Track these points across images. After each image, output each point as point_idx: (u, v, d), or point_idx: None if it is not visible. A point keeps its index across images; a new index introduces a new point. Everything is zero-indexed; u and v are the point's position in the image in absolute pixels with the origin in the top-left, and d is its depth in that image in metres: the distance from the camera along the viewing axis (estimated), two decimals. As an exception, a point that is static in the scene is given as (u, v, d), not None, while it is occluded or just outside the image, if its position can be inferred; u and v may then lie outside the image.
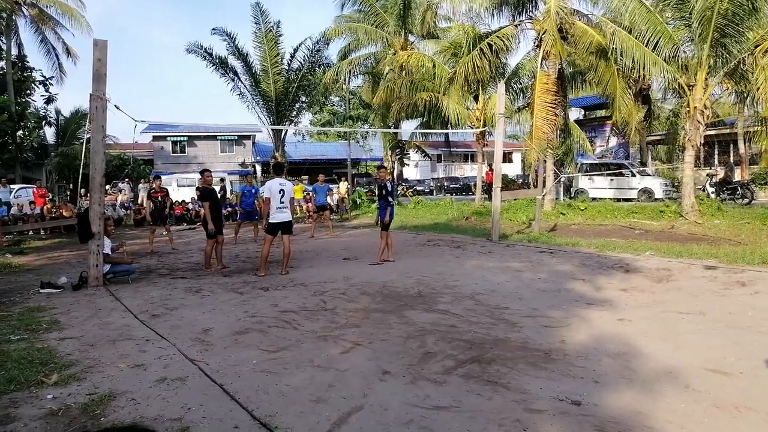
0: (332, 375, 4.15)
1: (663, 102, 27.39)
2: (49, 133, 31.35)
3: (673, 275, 7.86)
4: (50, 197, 21.32)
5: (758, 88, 13.22)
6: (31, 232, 17.05)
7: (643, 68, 14.62)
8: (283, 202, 8.78)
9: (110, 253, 8.37)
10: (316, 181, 16.40)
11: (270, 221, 8.81)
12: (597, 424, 3.27)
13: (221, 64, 24.56)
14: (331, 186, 20.37)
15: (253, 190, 14.37)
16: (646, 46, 14.53)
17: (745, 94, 14.60)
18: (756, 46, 13.37)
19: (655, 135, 27.42)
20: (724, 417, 3.35)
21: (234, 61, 24.83)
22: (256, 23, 24.82)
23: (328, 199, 23.80)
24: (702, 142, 15.36)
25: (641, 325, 5.35)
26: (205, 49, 23.97)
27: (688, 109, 14.80)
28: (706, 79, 14.36)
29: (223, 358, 4.59)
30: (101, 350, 4.88)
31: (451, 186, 39.87)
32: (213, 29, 24.55)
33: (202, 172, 10.43)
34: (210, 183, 10.05)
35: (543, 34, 16.95)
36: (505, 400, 3.62)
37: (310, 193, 26.00)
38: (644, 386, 3.83)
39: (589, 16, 17.70)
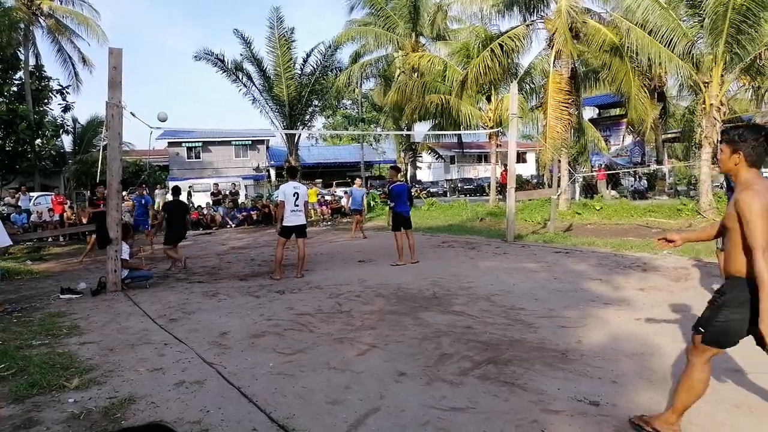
0: (348, 377, 4.17)
1: (678, 99, 27.10)
2: (67, 141, 31.82)
3: (692, 274, 7.77)
4: (69, 204, 21.62)
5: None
6: (50, 239, 17.30)
7: (659, 65, 14.49)
8: (297, 206, 8.78)
9: (128, 258, 8.47)
10: (352, 185, 16.83)
11: (284, 224, 8.84)
12: (616, 424, 3.24)
13: (234, 70, 24.71)
14: (347, 189, 20.54)
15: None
16: (660, 43, 14.39)
17: (762, 90, 14.39)
18: (772, 41, 13.21)
19: (670, 132, 27.11)
20: (745, 418, 3.30)
21: (248, 66, 24.98)
22: (270, 28, 24.96)
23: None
24: (719, 139, 15.16)
25: (659, 324, 5.29)
26: (216, 55, 24.10)
27: (704, 106, 14.64)
28: (722, 75, 14.19)
29: (240, 361, 4.62)
30: (120, 354, 4.95)
31: (465, 187, 39.71)
32: (234, 30, 24.60)
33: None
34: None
35: (554, 33, 16.86)
36: (522, 401, 3.61)
37: (326, 197, 26.17)
38: (664, 386, 3.79)
39: (602, 14, 17.57)
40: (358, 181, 17.63)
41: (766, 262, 2.60)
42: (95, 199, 11.12)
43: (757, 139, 2.83)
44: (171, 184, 31.00)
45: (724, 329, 2.93)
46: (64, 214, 18.94)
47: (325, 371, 4.32)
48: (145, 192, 14.23)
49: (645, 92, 18.03)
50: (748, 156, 2.84)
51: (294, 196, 8.75)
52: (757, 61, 13.71)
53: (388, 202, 10.44)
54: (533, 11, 18.39)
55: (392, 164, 22.62)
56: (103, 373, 4.43)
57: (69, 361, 4.75)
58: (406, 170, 28.91)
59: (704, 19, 13.69)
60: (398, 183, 10.35)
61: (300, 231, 8.98)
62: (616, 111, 28.77)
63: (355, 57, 26.93)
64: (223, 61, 24.30)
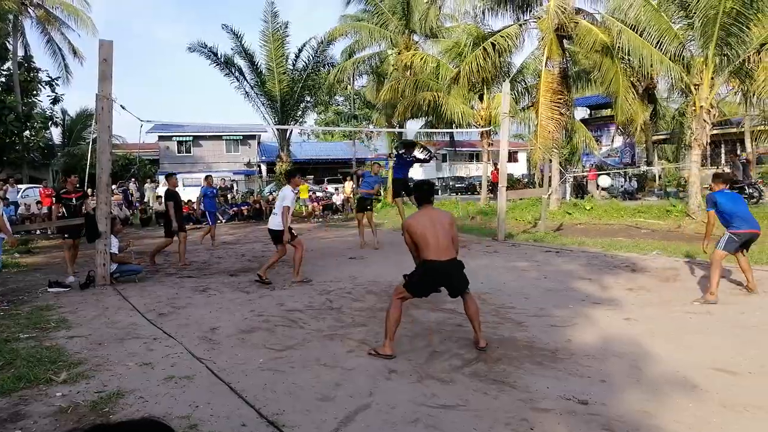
0: (339, 373, 4.17)
1: (669, 101, 27.29)
2: (56, 134, 31.55)
3: (681, 275, 7.83)
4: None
5: (763, 87, 13.14)
6: (38, 232, 17.13)
7: (650, 67, 14.56)
8: (274, 208, 8.34)
9: (117, 252, 8.40)
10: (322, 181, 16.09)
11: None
12: (604, 423, 3.27)
13: (226, 64, 24.57)
14: (338, 186, 20.02)
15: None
16: (651, 45, 14.46)
17: (751, 93, 14.49)
18: (762, 45, 13.29)
19: (661, 134, 27.29)
20: (732, 417, 3.34)
21: (239, 60, 24.86)
22: (264, 21, 24.84)
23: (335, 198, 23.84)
24: (708, 141, 15.29)
25: (648, 324, 5.34)
26: (210, 48, 23.97)
27: (694, 108, 14.73)
28: (711, 78, 14.28)
29: (230, 357, 4.61)
30: (109, 349, 4.91)
31: (457, 185, 39.79)
32: (223, 25, 24.60)
33: (168, 177, 10.98)
34: (175, 186, 10.63)
35: (545, 33, 16.91)
36: (512, 399, 3.63)
37: (317, 193, 26.12)
38: (652, 386, 3.83)
39: (594, 14, 17.63)
40: (375, 167, 14.72)
41: None
42: (63, 193, 9.17)
43: None
44: (161, 178, 30.90)
45: None
46: (53, 206, 18.77)
47: (315, 367, 4.32)
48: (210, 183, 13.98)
49: (634, 93, 18.11)
50: None
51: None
52: (746, 64, 13.82)
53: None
54: (526, 10, 18.42)
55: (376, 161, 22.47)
56: (91, 367, 4.40)
57: (57, 354, 4.71)
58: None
59: (695, 21, 13.78)
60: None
61: (270, 235, 8.29)
62: (608, 112, 28.93)
63: (349, 53, 26.84)
64: (216, 54, 24.16)
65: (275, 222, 8.10)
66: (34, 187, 21.30)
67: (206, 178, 13.34)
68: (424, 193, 4.86)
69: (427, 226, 4.60)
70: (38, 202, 18.54)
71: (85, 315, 6.25)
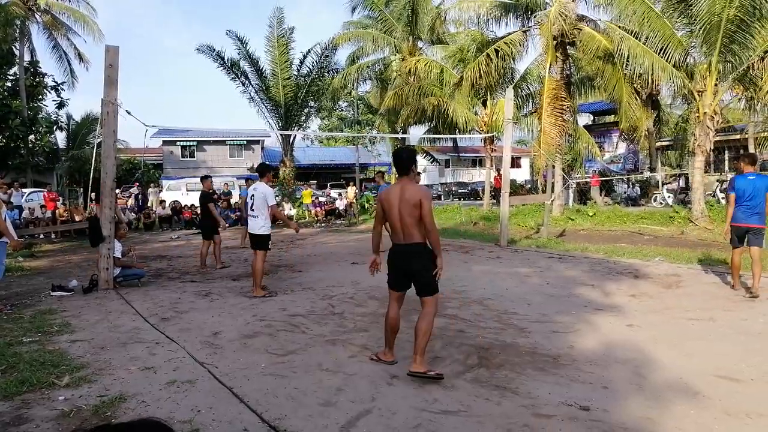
0: (340, 379, 4.17)
1: (672, 107, 27.26)
2: (60, 138, 31.64)
3: (683, 281, 7.81)
4: (61, 201, 21.49)
5: (767, 93, 13.13)
6: (42, 236, 17.20)
7: (652, 74, 14.57)
8: (252, 210, 7.60)
9: (120, 257, 8.43)
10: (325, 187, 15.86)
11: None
12: (606, 430, 3.26)
13: (232, 67, 24.71)
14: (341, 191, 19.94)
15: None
16: (654, 52, 14.47)
17: (755, 100, 14.48)
18: (766, 52, 13.29)
19: (664, 140, 27.25)
20: (734, 424, 3.33)
21: (245, 66, 24.99)
22: (270, 27, 24.97)
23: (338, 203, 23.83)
24: (712, 147, 15.27)
25: (651, 331, 5.33)
26: (217, 52, 24.13)
27: (697, 114, 14.73)
28: (715, 84, 14.29)
29: (232, 362, 4.61)
30: (112, 353, 4.92)
31: (460, 191, 39.75)
32: (227, 31, 24.71)
33: (203, 179, 11.02)
34: (209, 188, 10.82)
35: (547, 39, 16.95)
36: (514, 405, 3.62)
37: (320, 198, 26.14)
38: (654, 392, 3.82)
39: (597, 21, 17.68)
40: (384, 175, 14.39)
41: None
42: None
43: None
44: (164, 182, 31.02)
45: None
46: (56, 210, 18.85)
47: (317, 372, 4.32)
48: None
49: (638, 100, 18.12)
50: None
51: (250, 198, 7.69)
52: (750, 71, 13.82)
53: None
54: (530, 17, 18.48)
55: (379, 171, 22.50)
56: (93, 371, 4.41)
57: (59, 358, 4.72)
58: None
59: (697, 29, 13.80)
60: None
61: (253, 240, 7.68)
62: (611, 118, 28.95)
63: (353, 59, 26.93)
64: (222, 58, 24.31)
65: (259, 225, 7.53)
66: (39, 191, 21.42)
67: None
68: (402, 161, 4.32)
69: (393, 202, 4.21)
70: (42, 206, 18.62)
71: (88, 319, 6.27)
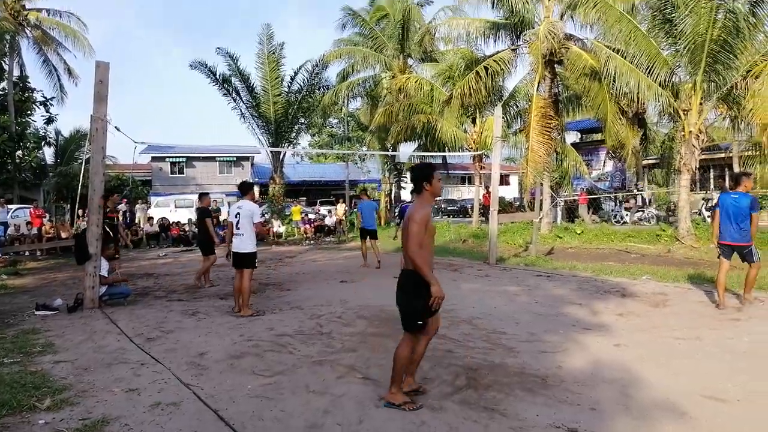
0: (328, 400, 4.13)
1: (658, 125, 27.63)
2: (48, 153, 31.43)
3: (670, 300, 7.86)
4: (47, 217, 21.28)
5: (750, 113, 13.37)
6: (27, 253, 17.00)
7: (638, 93, 14.79)
8: (238, 228, 7.50)
9: (107, 275, 8.34)
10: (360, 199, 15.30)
11: (232, 249, 7.73)
12: (593, 452, 3.25)
13: (224, 83, 24.77)
14: (330, 208, 20.01)
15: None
16: (640, 70, 14.72)
17: (739, 119, 14.74)
18: (748, 72, 13.56)
19: (650, 158, 27.56)
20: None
21: (236, 82, 25.06)
22: (260, 44, 25.10)
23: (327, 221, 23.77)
24: (697, 166, 15.49)
25: (638, 350, 5.34)
26: (209, 68, 24.20)
27: (683, 133, 14.95)
28: (700, 103, 14.53)
29: (218, 383, 4.56)
30: (95, 374, 4.85)
31: (449, 208, 39.88)
32: (217, 48, 24.86)
33: (201, 196, 10.93)
34: (208, 205, 10.70)
35: (536, 58, 17.20)
36: (502, 428, 3.60)
37: (309, 215, 26.09)
38: (641, 413, 3.82)
39: (584, 40, 17.95)
40: (363, 194, 15.73)
41: None
42: (108, 211, 9.15)
43: None
44: (153, 198, 30.84)
45: None
46: (43, 227, 18.65)
47: (304, 394, 4.28)
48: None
49: (623, 118, 18.37)
50: None
51: (236, 217, 7.57)
52: (734, 90, 14.08)
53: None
54: (519, 36, 18.74)
55: (362, 189, 22.52)
56: (76, 393, 4.34)
57: (41, 380, 4.65)
58: (391, 190, 28.98)
59: (681, 48, 14.08)
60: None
61: (239, 259, 7.58)
62: (598, 136, 29.24)
63: (343, 76, 27.13)
64: (214, 74, 24.37)
65: (244, 243, 7.47)
66: (25, 207, 21.18)
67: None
68: (413, 180, 4.09)
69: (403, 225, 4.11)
70: (28, 223, 18.43)
71: (72, 339, 6.18)
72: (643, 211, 22.39)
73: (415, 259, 3.82)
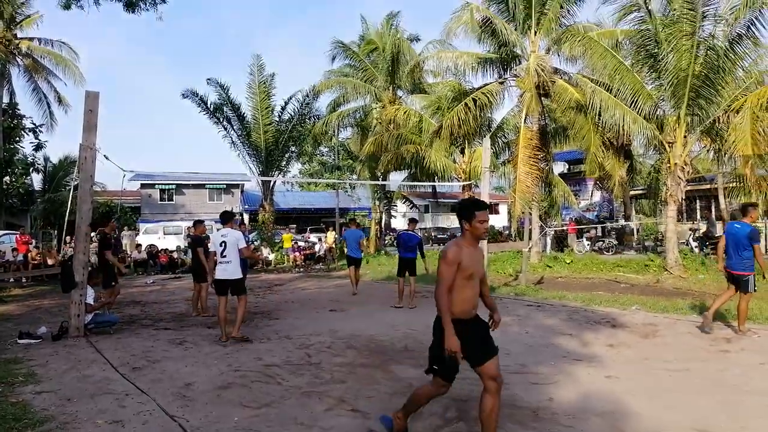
0: (316, 433, 4.06)
1: (645, 157, 28.09)
2: (36, 180, 31.18)
3: (660, 330, 7.87)
4: (33, 244, 21.02)
5: (733, 146, 13.62)
6: (12, 280, 16.74)
7: (623, 126, 15.05)
8: (224, 256, 7.59)
9: (93, 303, 8.22)
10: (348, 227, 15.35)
11: (215, 277, 7.84)
12: (586, 486, 3.21)
13: (215, 112, 24.89)
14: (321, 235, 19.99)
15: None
16: (625, 104, 15.01)
17: (723, 152, 15.01)
18: (729, 106, 13.88)
19: (637, 189, 27.93)
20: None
21: (227, 111, 25.20)
22: (251, 74, 25.35)
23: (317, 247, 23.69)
24: (683, 197, 15.69)
25: (629, 382, 5.32)
26: (201, 97, 24.35)
27: (668, 165, 15.18)
28: (684, 136, 14.80)
29: (204, 415, 4.48)
30: (79, 405, 4.75)
31: (439, 236, 39.97)
32: (207, 79, 25.05)
33: (195, 224, 10.96)
34: (203, 233, 10.48)
35: (525, 91, 17.50)
36: (493, 461, 3.55)
37: (299, 242, 26.00)
38: (633, 446, 3.79)
39: (570, 74, 18.33)
40: (351, 223, 15.88)
41: None
42: (108, 237, 9.67)
43: None
44: (142, 225, 30.62)
45: None
46: (29, 254, 18.42)
47: (292, 427, 4.21)
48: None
49: (609, 150, 18.62)
50: None
51: (221, 245, 7.62)
52: (716, 123, 14.38)
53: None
54: (507, 69, 19.09)
55: (352, 218, 22.60)
56: (58, 425, 4.24)
57: (22, 411, 4.53)
58: (381, 218, 29.04)
59: (666, 83, 14.41)
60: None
61: (230, 286, 7.73)
62: (585, 167, 29.63)
63: (333, 106, 27.39)
64: (206, 103, 24.51)
65: (231, 270, 7.60)
66: (11, 233, 20.94)
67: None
68: (458, 215, 3.75)
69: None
70: (14, 249, 18.19)
71: (56, 369, 6.05)
72: (603, 241, 23.55)
73: (438, 302, 3.55)
